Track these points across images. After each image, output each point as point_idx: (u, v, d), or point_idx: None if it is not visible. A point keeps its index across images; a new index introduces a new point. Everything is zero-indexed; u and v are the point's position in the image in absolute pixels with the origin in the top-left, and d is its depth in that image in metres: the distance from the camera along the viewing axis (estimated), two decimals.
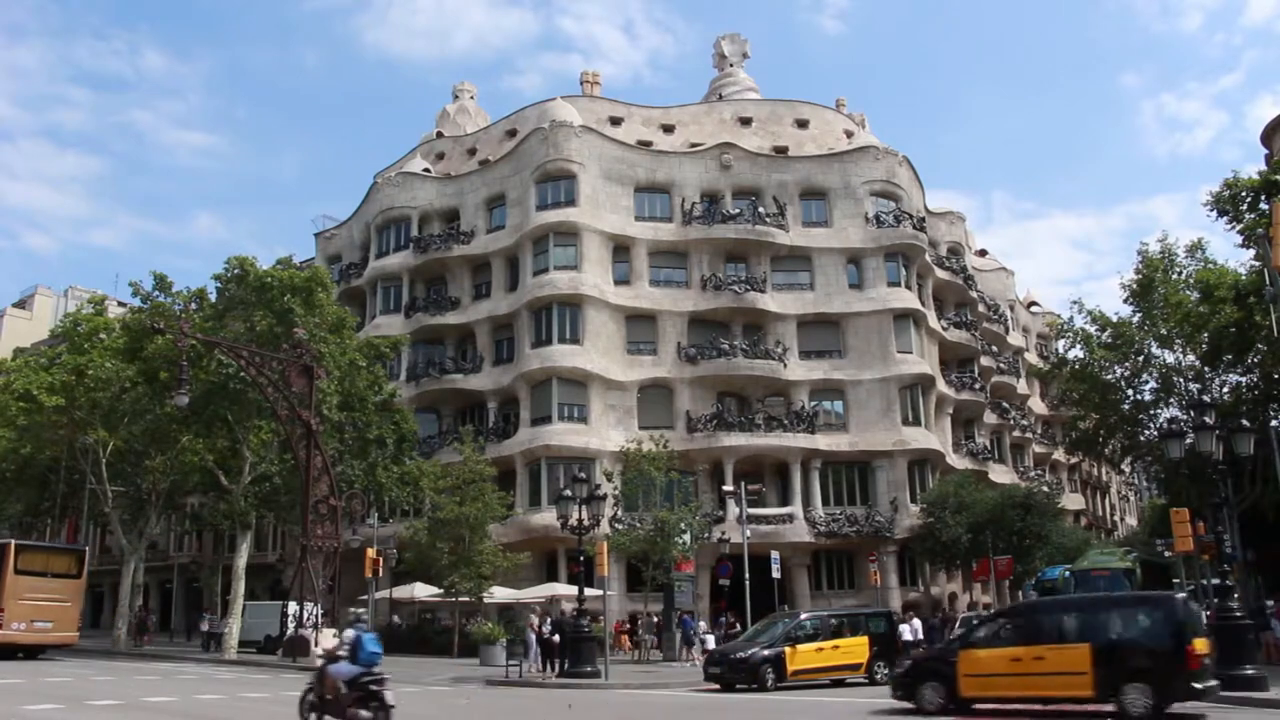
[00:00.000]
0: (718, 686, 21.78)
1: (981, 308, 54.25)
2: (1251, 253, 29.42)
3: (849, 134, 52.12)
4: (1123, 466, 58.84)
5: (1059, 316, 49.62)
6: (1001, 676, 15.23)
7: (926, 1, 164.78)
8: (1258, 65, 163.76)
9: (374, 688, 11.52)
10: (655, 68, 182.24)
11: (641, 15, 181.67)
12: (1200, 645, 14.38)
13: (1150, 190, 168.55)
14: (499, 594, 36.37)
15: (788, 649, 22.07)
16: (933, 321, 47.47)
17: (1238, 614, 18.74)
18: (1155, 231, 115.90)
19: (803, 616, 24.39)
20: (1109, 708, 14.36)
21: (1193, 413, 24.86)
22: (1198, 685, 14.12)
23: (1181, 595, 16.04)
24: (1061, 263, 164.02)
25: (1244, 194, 29.28)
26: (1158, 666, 14.23)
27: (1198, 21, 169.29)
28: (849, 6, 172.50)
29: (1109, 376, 35.79)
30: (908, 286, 45.66)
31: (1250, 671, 17.74)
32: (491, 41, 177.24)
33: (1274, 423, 27.70)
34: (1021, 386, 58.19)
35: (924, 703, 15.80)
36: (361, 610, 13.08)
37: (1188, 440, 22.69)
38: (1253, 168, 32.57)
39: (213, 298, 36.26)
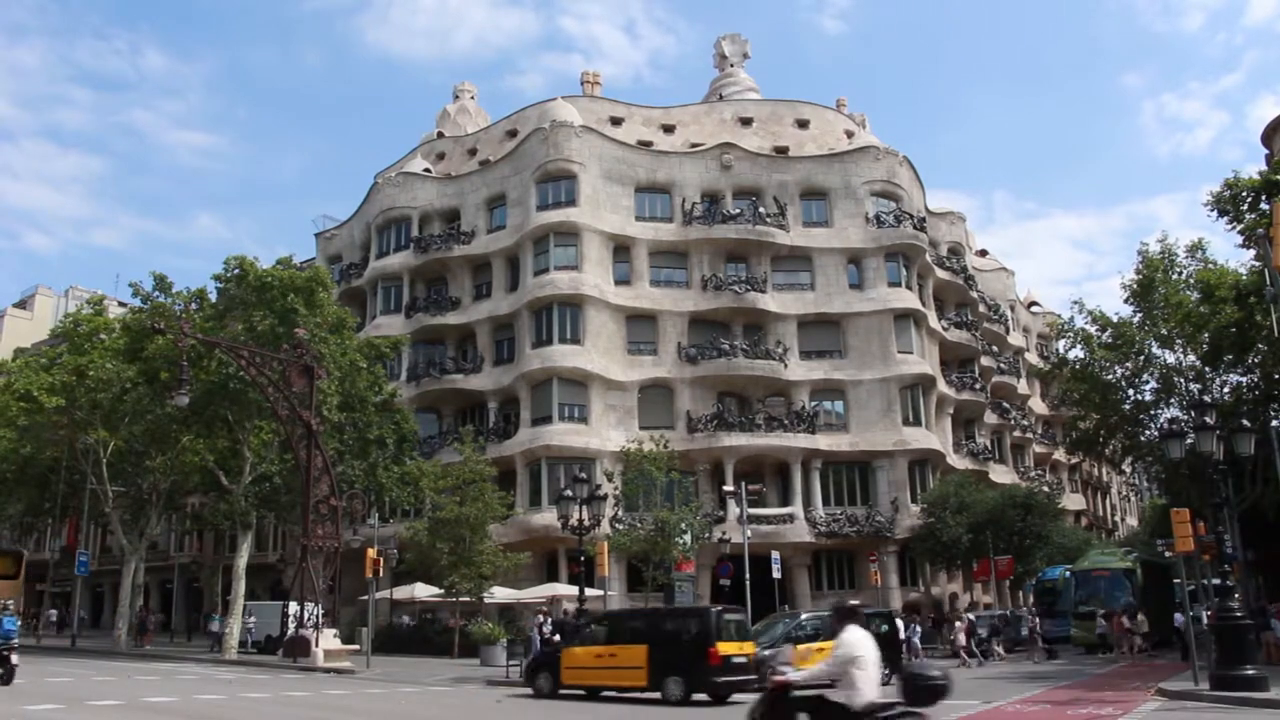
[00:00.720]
0: None
1: (982, 308, 54.27)
2: (1252, 253, 29.38)
3: (849, 134, 52.14)
4: (1123, 467, 58.85)
5: (1059, 316, 49.60)
6: (590, 669, 19.45)
7: (928, 1, 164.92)
8: (1259, 65, 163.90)
9: (5, 653, 18.69)
10: (656, 68, 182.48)
11: (643, 15, 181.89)
12: (723, 648, 18.12)
13: (1151, 190, 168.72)
14: (499, 594, 36.37)
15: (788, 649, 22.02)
16: (933, 322, 47.48)
17: (1238, 614, 18.75)
18: (1156, 231, 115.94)
19: (803, 617, 24.37)
20: (656, 694, 18.29)
21: (1193, 413, 24.87)
22: (718, 679, 18.12)
23: (716, 609, 19.95)
24: (1063, 263, 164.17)
25: (1244, 194, 29.23)
26: (690, 664, 18.13)
27: (1199, 21, 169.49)
28: (850, 6, 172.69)
29: (1109, 377, 35.72)
30: (908, 287, 45.67)
31: (1250, 671, 17.75)
32: (492, 41, 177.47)
33: (1274, 423, 27.63)
34: (1022, 387, 58.21)
35: (538, 689, 20.10)
36: (9, 601, 17.40)
37: (1188, 440, 22.66)
38: (1253, 168, 32.52)
39: (213, 298, 36.27)
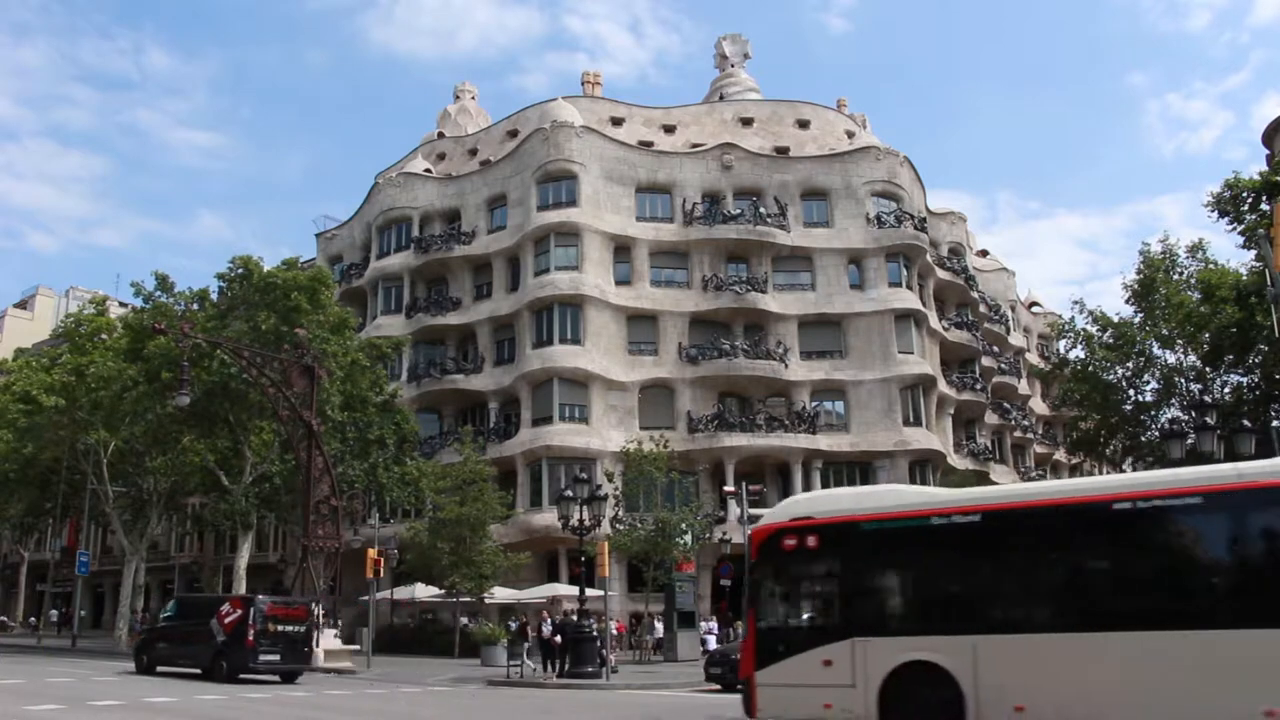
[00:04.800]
0: (719, 687, 21.72)
1: (983, 308, 54.24)
2: (1253, 253, 29.41)
3: (850, 134, 52.14)
4: (1124, 467, 58.67)
5: (1060, 317, 49.60)
6: None
7: (933, 1, 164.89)
8: (1264, 65, 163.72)
9: None
10: (661, 67, 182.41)
11: (648, 14, 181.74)
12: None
13: (1156, 190, 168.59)
14: (500, 594, 36.37)
15: None
16: (934, 322, 47.46)
17: None
18: (1159, 232, 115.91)
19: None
20: None
21: (1194, 413, 24.90)
22: None
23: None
24: (1067, 263, 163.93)
25: (1245, 194, 29.29)
26: None
27: (1205, 21, 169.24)
28: (856, 5, 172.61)
29: (1110, 377, 35.74)
30: (909, 287, 45.66)
31: None
32: (497, 40, 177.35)
33: (1275, 423, 27.66)
34: (1023, 387, 58.16)
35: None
36: None
37: (1189, 440, 22.71)
38: (1257, 168, 32.56)
39: (215, 297, 36.30)
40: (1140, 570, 11.41)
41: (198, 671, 22.56)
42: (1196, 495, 10.98)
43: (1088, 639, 10.98)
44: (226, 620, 22.68)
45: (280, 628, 22.74)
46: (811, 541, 13.12)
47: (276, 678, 22.71)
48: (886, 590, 12.96)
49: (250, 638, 22.02)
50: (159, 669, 23.46)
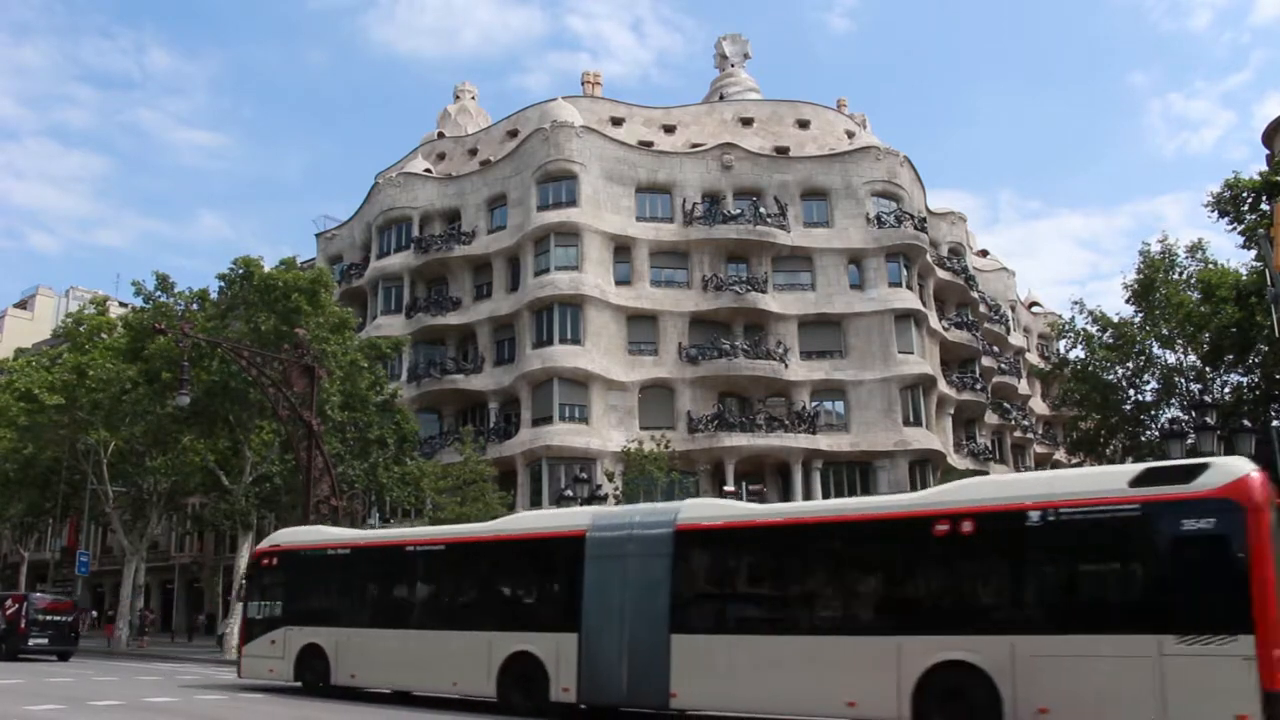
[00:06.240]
0: None
1: (983, 308, 54.26)
2: (1253, 253, 29.39)
3: (850, 134, 52.16)
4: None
5: (1060, 317, 49.57)
6: None
7: (936, 0, 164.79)
8: (1266, 64, 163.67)
9: None
10: (663, 66, 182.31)
11: (650, 14, 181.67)
12: None
13: (1157, 190, 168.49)
14: None
15: None
16: (934, 322, 47.47)
17: None
18: (1160, 231, 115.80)
19: None
20: None
21: (1194, 413, 24.86)
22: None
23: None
24: (1067, 262, 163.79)
25: (1245, 194, 29.25)
26: None
27: (1206, 20, 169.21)
28: (859, 4, 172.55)
29: (1110, 377, 35.67)
30: (909, 287, 45.67)
31: None
32: (499, 40, 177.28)
33: (1275, 423, 27.63)
34: (1023, 387, 58.16)
35: None
36: None
37: (1189, 441, 22.68)
38: (1257, 168, 32.52)
39: (215, 297, 36.32)
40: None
41: None
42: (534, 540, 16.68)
43: (411, 635, 17.24)
44: (8, 612, 28.58)
45: (51, 618, 28.95)
46: (274, 562, 19.69)
47: (54, 657, 28.68)
48: (301, 597, 19.15)
49: (23, 626, 28.02)
50: None
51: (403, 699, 17.79)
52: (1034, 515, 12.05)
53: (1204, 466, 11.72)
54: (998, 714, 11.50)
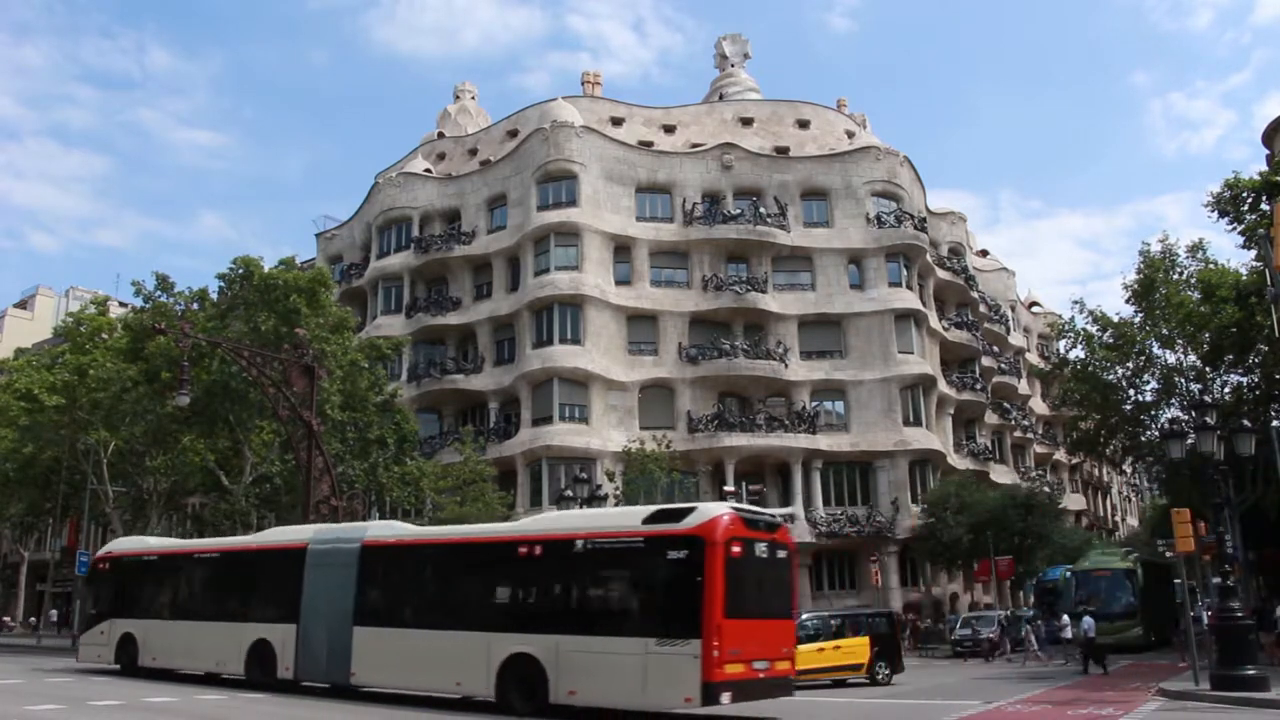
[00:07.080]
0: None
1: (982, 308, 54.30)
2: (1253, 253, 29.40)
3: (850, 134, 52.17)
4: (1124, 467, 58.79)
5: (1060, 317, 49.58)
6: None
7: (936, 0, 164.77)
8: (1266, 64, 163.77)
9: None
10: (664, 66, 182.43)
11: (651, 13, 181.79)
12: None
13: (1157, 189, 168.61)
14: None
15: None
16: (934, 322, 47.49)
17: (1239, 614, 18.74)
18: (1160, 231, 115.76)
19: (804, 617, 24.36)
20: None
21: (1194, 413, 24.82)
22: None
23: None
24: (1068, 262, 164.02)
25: (1245, 194, 29.24)
26: None
27: (1207, 20, 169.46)
28: (858, 4, 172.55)
29: (1110, 377, 35.66)
30: (909, 287, 45.69)
31: (1251, 672, 17.76)
32: (500, 39, 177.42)
33: (1275, 423, 27.62)
34: (1023, 387, 58.21)
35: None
36: None
37: (1189, 440, 22.67)
38: (1258, 168, 32.53)
39: (215, 297, 36.32)
40: None
41: None
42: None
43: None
44: None
45: None
46: (107, 566, 23.64)
47: None
48: (122, 594, 22.72)
49: None
50: None
51: (403, 699, 17.83)
52: (579, 544, 15.19)
53: (690, 510, 14.72)
54: (546, 692, 14.74)
